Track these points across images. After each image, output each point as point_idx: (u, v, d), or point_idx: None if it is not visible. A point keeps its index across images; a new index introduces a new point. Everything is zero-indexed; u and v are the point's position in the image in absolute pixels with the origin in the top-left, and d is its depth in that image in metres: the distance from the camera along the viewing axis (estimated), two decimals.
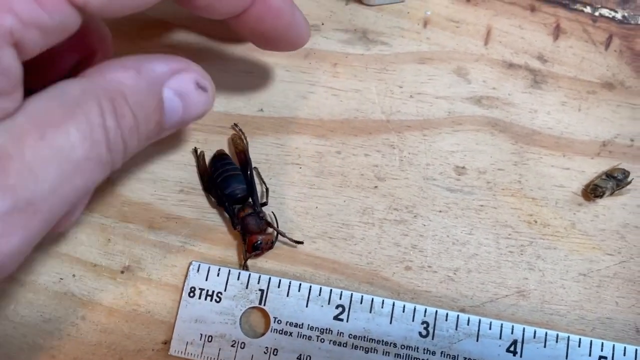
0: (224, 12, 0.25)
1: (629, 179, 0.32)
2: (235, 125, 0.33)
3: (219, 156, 0.32)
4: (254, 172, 0.32)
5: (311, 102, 0.34)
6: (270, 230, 0.31)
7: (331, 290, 0.30)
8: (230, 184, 0.31)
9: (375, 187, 0.33)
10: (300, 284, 0.30)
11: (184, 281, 0.31)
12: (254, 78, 0.34)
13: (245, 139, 0.33)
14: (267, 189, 0.32)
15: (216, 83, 0.34)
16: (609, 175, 0.32)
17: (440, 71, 0.34)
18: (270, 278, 0.30)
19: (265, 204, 0.32)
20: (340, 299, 0.30)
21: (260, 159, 0.33)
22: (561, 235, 0.32)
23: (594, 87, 0.34)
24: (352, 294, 0.30)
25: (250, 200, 0.32)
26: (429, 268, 0.31)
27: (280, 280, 0.30)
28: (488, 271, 0.31)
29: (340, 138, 0.33)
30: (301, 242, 0.31)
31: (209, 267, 0.31)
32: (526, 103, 0.34)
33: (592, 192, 0.32)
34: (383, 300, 0.30)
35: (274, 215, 0.32)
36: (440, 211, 0.32)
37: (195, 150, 0.33)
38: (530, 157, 0.33)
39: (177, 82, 0.24)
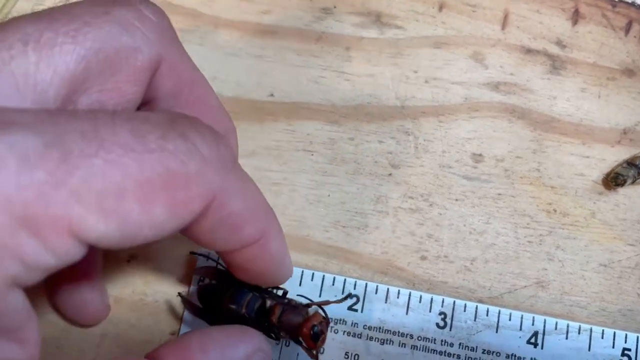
0: (222, 248, 0.22)
1: None
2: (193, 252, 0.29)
3: (204, 288, 0.28)
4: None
5: (323, 87, 0.33)
6: (311, 310, 0.26)
7: (345, 279, 0.29)
8: (240, 299, 0.25)
9: (390, 174, 0.32)
10: (313, 273, 0.29)
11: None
12: (265, 62, 0.33)
13: (210, 257, 0.28)
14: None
15: (226, 67, 0.33)
16: (630, 163, 0.31)
17: (457, 56, 0.33)
18: None
19: (286, 292, 0.27)
20: (355, 288, 0.29)
21: (271, 146, 0.32)
22: (581, 225, 0.31)
23: (614, 74, 0.33)
24: (366, 283, 0.29)
25: (267, 300, 0.26)
26: (445, 258, 0.30)
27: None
28: (506, 261, 0.30)
29: (353, 124, 0.32)
30: (355, 297, 0.28)
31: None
32: (545, 89, 0.33)
33: (613, 180, 0.31)
34: (399, 290, 0.29)
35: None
36: (456, 200, 0.31)
37: (179, 295, 0.29)
38: (549, 145, 0.32)
39: None
